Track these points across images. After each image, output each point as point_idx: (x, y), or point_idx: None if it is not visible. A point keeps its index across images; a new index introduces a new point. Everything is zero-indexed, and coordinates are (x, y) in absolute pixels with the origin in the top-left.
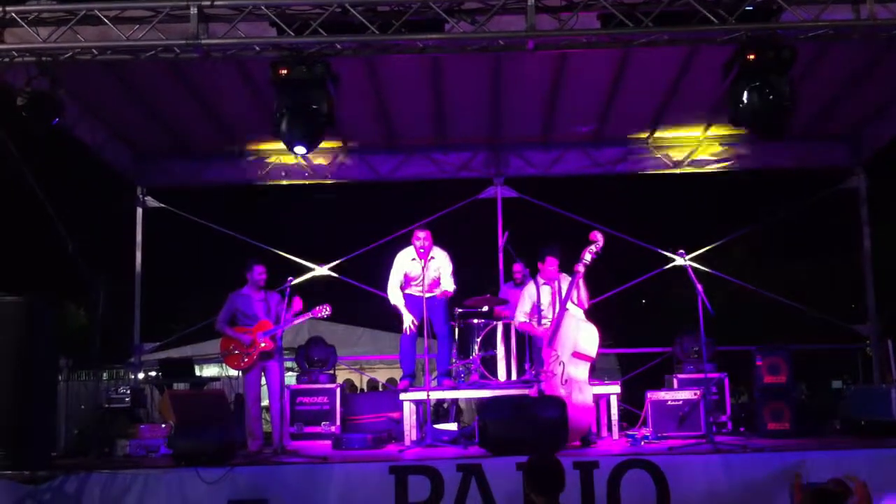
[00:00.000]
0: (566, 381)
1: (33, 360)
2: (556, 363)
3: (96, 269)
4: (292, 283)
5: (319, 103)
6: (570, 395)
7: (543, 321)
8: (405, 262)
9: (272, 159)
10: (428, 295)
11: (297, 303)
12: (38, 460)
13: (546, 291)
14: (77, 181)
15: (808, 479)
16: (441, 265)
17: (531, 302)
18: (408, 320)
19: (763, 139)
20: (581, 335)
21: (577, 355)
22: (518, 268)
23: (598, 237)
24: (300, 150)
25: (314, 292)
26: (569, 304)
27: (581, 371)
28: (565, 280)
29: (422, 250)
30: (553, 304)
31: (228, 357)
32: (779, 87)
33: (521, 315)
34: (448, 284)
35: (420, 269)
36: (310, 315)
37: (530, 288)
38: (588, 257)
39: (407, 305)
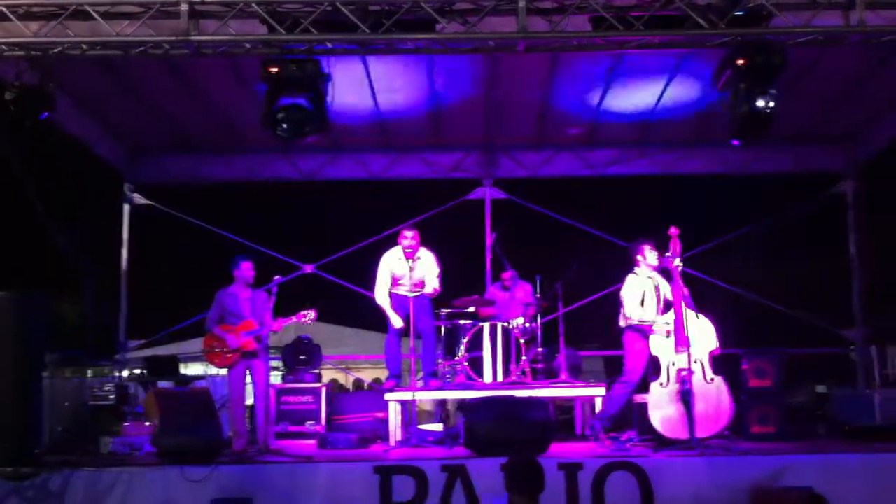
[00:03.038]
0: (711, 379)
1: (20, 357)
2: (693, 362)
3: (85, 266)
4: (279, 282)
5: (309, 101)
6: (720, 392)
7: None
8: (392, 262)
9: (262, 156)
10: (413, 294)
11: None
12: (22, 457)
13: (650, 285)
14: (68, 177)
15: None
16: (427, 266)
17: (641, 295)
18: (395, 321)
19: (747, 144)
20: (712, 330)
21: (713, 352)
22: (507, 275)
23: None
24: (291, 145)
25: (300, 292)
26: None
27: (713, 368)
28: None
29: (409, 250)
30: (658, 299)
31: (210, 355)
32: (768, 92)
33: (639, 310)
34: (433, 283)
35: (406, 269)
36: (294, 319)
37: (634, 281)
38: (679, 249)
39: (393, 305)
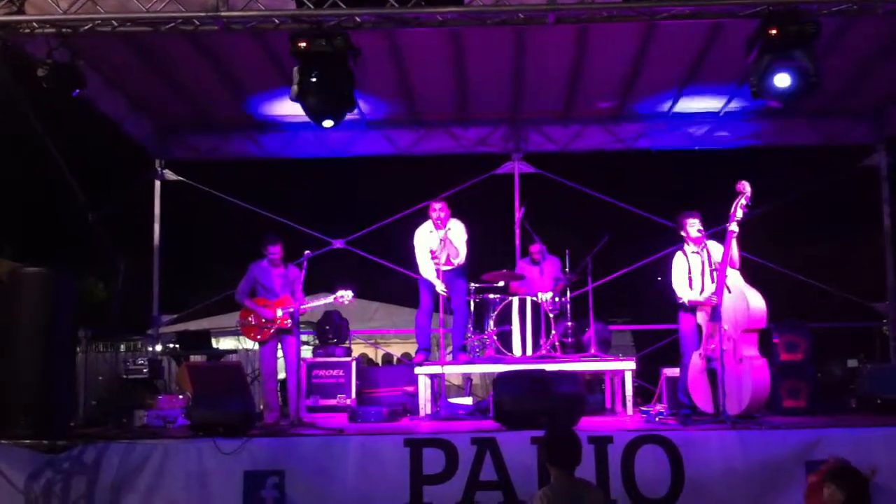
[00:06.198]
0: (741, 358)
1: (54, 331)
2: (725, 339)
3: (116, 242)
4: (309, 256)
5: (339, 76)
6: (750, 373)
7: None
8: (425, 236)
9: (291, 133)
10: (445, 268)
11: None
12: (58, 430)
13: (696, 260)
14: (98, 153)
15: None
16: (456, 235)
17: (686, 273)
18: (440, 286)
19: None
20: (750, 305)
21: (749, 328)
22: (535, 248)
23: (746, 187)
24: (327, 123)
25: (330, 267)
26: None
27: (752, 346)
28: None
29: (438, 221)
30: (703, 273)
31: (246, 327)
32: (802, 61)
33: (686, 291)
34: (461, 251)
35: (438, 242)
36: (331, 299)
37: (679, 259)
38: (740, 213)
39: (425, 281)
